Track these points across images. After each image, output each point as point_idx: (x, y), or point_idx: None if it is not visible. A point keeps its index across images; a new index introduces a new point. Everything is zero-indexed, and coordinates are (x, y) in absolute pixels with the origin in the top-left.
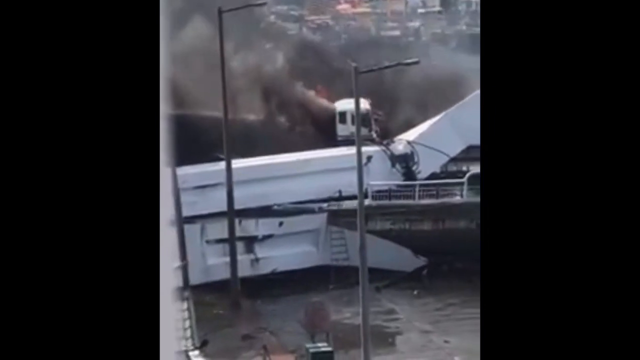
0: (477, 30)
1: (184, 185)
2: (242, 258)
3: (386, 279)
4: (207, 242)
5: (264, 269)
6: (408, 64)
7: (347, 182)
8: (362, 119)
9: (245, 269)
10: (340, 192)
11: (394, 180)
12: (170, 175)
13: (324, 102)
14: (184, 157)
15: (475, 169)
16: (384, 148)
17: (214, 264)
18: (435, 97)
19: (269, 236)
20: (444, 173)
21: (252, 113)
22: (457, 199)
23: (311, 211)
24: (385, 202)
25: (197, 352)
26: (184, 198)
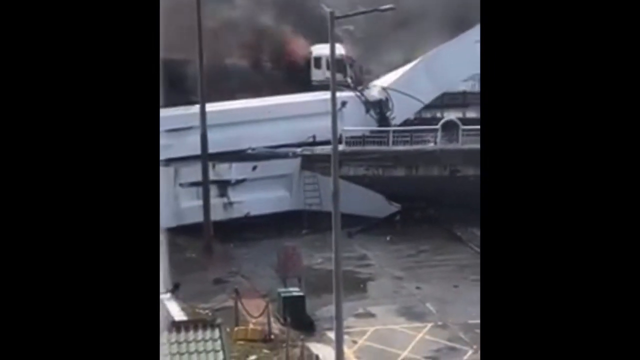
0: None
1: None
2: (215, 202)
3: (359, 225)
4: (181, 185)
5: (237, 212)
6: (384, 10)
7: (321, 127)
8: (336, 64)
9: (218, 213)
10: (314, 137)
11: (368, 126)
12: None
13: (299, 46)
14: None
15: (449, 115)
16: (358, 94)
17: (187, 207)
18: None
19: (243, 180)
20: (418, 120)
21: (227, 57)
22: (430, 145)
23: (285, 156)
24: (359, 147)
25: (168, 295)
26: None
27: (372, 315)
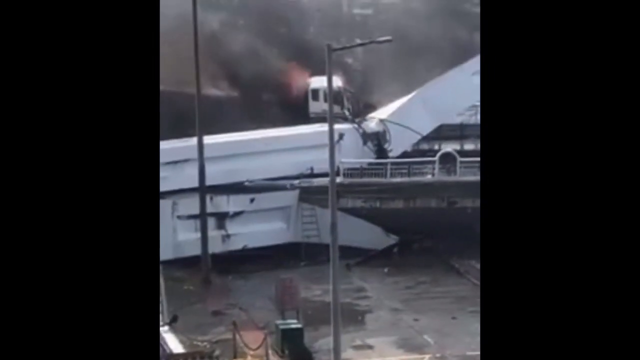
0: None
1: None
2: (213, 234)
3: (357, 257)
4: (179, 217)
5: (235, 245)
6: (381, 42)
7: (319, 160)
8: (334, 96)
9: (216, 245)
10: (312, 169)
11: (366, 158)
12: None
13: (297, 79)
14: None
15: (447, 147)
16: (356, 126)
17: (184, 239)
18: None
19: (240, 212)
20: (416, 151)
21: (223, 89)
22: (428, 177)
23: (283, 188)
24: (357, 179)
25: (166, 327)
26: None
27: (370, 347)
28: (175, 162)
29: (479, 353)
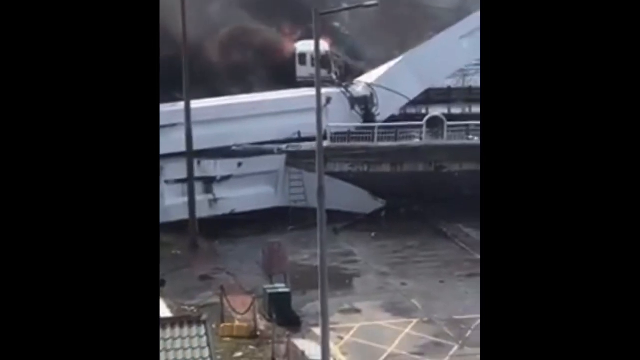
0: None
1: None
2: (201, 198)
3: (344, 221)
4: (166, 182)
5: (223, 209)
6: (367, 7)
7: (306, 124)
8: (321, 60)
9: (203, 210)
10: (299, 133)
11: (353, 122)
12: None
13: (284, 43)
14: None
15: (434, 111)
16: (343, 90)
17: (172, 204)
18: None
19: (228, 177)
20: (403, 116)
21: (211, 53)
22: (415, 141)
23: (270, 152)
24: (344, 144)
25: None
26: None
27: (357, 311)
28: (162, 127)
29: (466, 317)
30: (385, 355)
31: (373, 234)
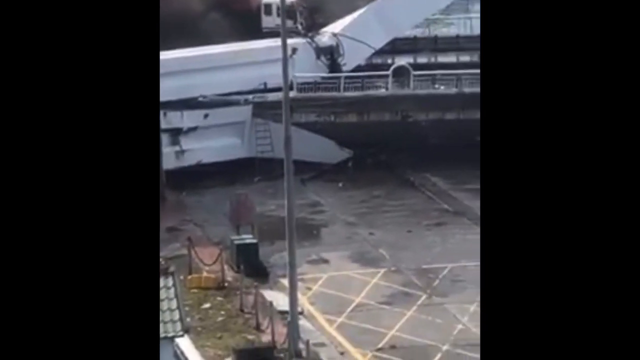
0: None
1: None
2: (167, 150)
3: (311, 172)
4: None
5: (189, 161)
6: None
7: (273, 74)
8: (287, 11)
9: (170, 161)
10: (265, 84)
11: (319, 72)
12: None
13: None
14: None
15: (400, 61)
16: (309, 40)
17: None
18: None
19: (194, 128)
20: (369, 65)
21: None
22: (382, 91)
23: (236, 103)
24: (311, 94)
25: None
26: None
27: (325, 261)
28: None
29: (434, 266)
30: (353, 305)
31: (340, 184)
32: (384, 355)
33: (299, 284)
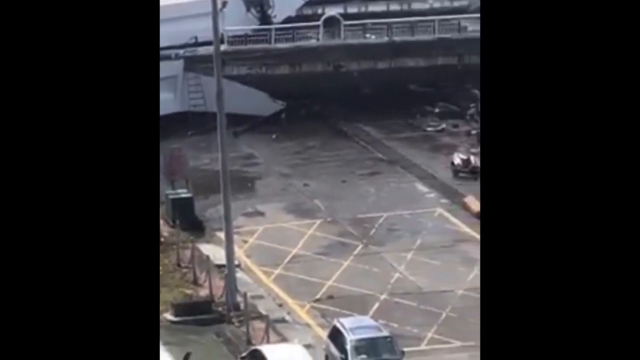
0: None
1: None
2: None
3: (244, 124)
4: None
5: None
6: None
7: (203, 28)
8: None
9: None
10: (196, 38)
11: (250, 25)
12: None
13: None
14: None
15: (330, 11)
16: None
17: None
18: None
19: None
20: (300, 17)
21: None
22: (313, 42)
23: (168, 58)
24: (242, 47)
25: None
26: None
27: (261, 213)
28: None
29: (369, 215)
30: (289, 257)
31: (274, 136)
32: (322, 306)
33: (235, 237)
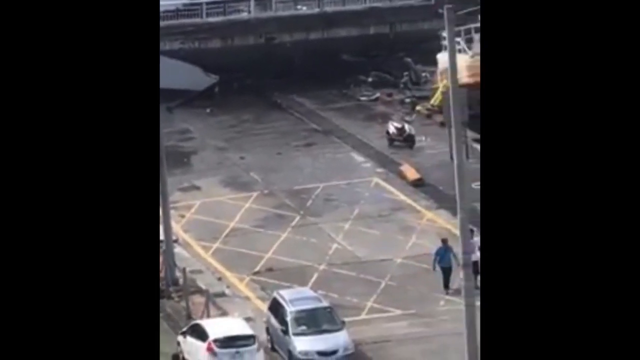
0: None
1: None
2: None
3: (178, 99)
4: None
5: None
6: None
7: None
8: None
9: None
10: None
11: None
12: None
13: None
14: None
15: None
16: None
17: None
18: None
19: None
20: None
21: None
22: (244, 15)
23: None
24: (173, 21)
25: None
26: None
27: (197, 188)
28: None
29: (305, 187)
30: (227, 231)
31: (208, 110)
32: (261, 279)
33: (172, 212)
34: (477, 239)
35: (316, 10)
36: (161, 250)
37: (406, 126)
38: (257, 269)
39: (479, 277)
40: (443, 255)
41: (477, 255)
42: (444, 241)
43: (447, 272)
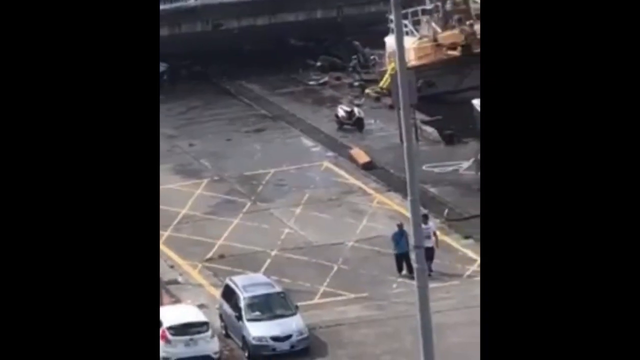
0: None
1: None
2: None
3: None
4: None
5: None
6: None
7: None
8: None
9: None
10: None
11: None
12: None
13: None
14: None
15: None
16: None
17: None
18: None
19: None
20: None
21: None
22: (191, 2)
23: None
24: None
25: None
26: None
27: None
28: None
29: (256, 172)
30: (179, 218)
31: None
32: (214, 265)
33: None
34: (431, 224)
35: None
36: None
37: (355, 109)
38: (209, 255)
39: (431, 263)
40: (399, 240)
41: (431, 241)
42: (400, 226)
43: (402, 257)
